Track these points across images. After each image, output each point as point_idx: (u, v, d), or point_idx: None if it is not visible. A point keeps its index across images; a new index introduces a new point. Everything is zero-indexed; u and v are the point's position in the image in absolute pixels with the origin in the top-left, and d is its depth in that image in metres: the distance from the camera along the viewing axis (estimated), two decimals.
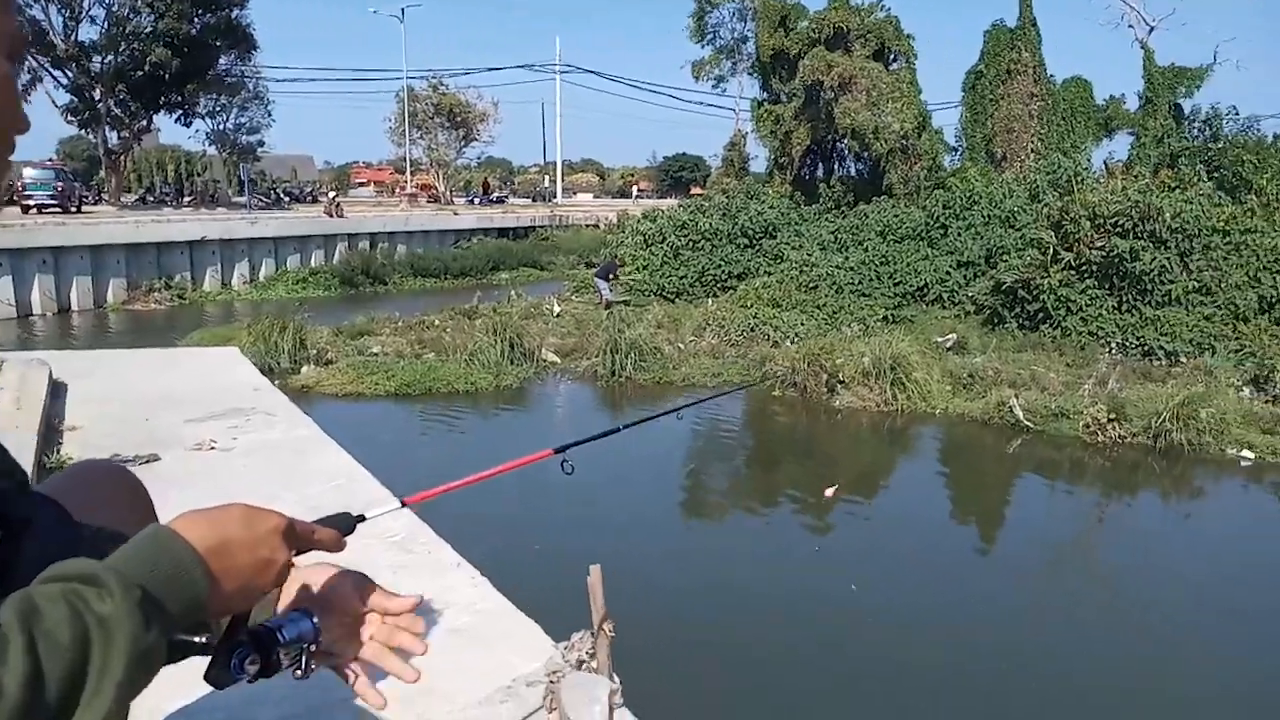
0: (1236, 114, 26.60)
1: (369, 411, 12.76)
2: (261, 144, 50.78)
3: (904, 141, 26.13)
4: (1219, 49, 36.66)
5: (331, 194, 40.00)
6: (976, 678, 6.13)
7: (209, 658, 1.06)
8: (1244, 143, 23.73)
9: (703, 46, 41.80)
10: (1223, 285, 16.13)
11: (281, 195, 46.61)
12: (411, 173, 55.95)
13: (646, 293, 21.49)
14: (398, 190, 56.91)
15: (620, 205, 51.19)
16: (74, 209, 30.72)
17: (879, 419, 12.90)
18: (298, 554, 1.08)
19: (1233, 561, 8.50)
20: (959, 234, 20.55)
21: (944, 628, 6.80)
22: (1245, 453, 11.18)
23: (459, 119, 47.91)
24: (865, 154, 27.81)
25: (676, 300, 21.08)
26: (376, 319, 18.40)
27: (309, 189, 55.66)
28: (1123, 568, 8.35)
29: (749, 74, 38.87)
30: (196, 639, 1.06)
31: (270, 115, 49.03)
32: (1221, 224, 17.16)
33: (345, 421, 11.45)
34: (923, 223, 21.31)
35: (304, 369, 14.01)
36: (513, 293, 21.58)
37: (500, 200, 57.52)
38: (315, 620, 1.15)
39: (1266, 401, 12.73)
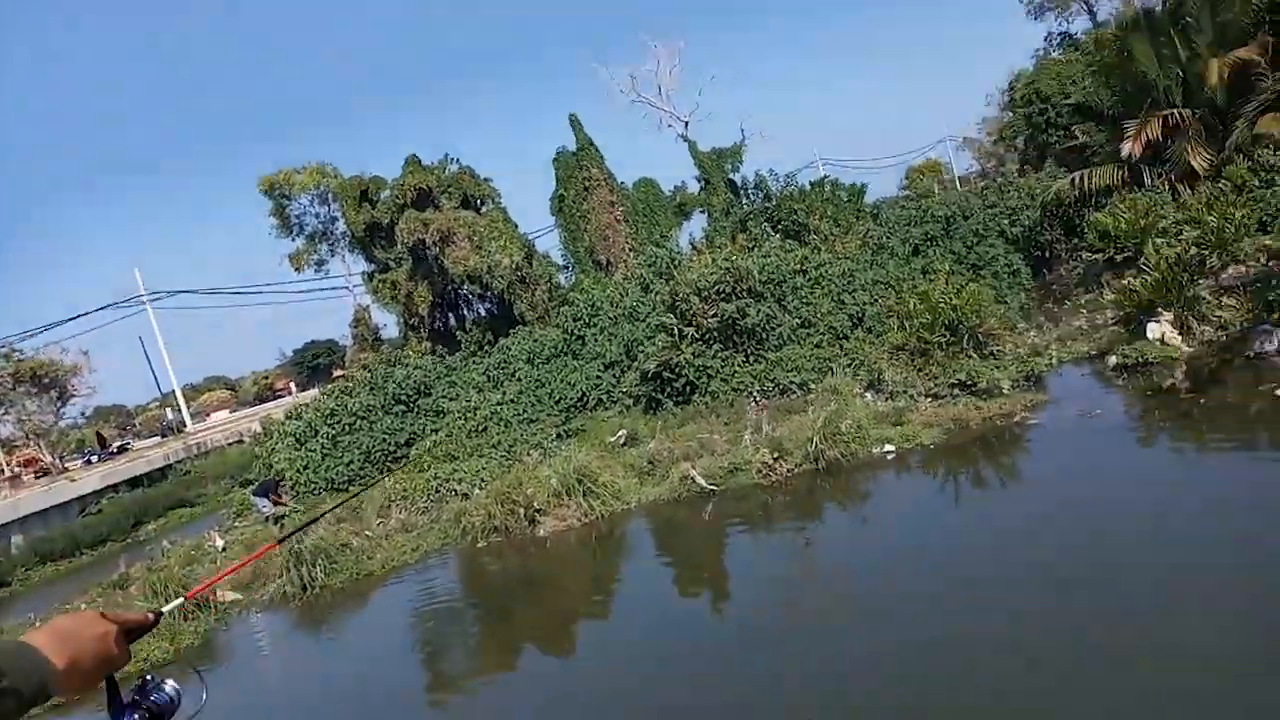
0: (777, 175, 31.07)
1: None
2: None
3: (519, 273, 27.43)
4: (743, 125, 43.20)
5: None
6: None
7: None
8: (791, 195, 27.75)
9: (293, 239, 41.28)
10: (818, 315, 18.55)
11: None
12: (8, 451, 48.56)
13: (316, 491, 20.27)
14: None
15: (263, 410, 48.12)
16: None
17: (585, 532, 13.10)
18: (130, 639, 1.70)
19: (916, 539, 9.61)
20: (596, 340, 21.80)
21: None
22: (887, 447, 12.80)
23: (47, 380, 42.73)
24: (488, 293, 28.79)
25: (349, 488, 20.09)
26: (4, 630, 15.52)
27: None
28: (839, 584, 9.11)
29: (350, 250, 38.91)
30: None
31: None
32: (799, 266, 19.81)
33: None
34: (561, 340, 22.35)
35: None
36: (165, 543, 19.29)
37: (122, 449, 51.59)
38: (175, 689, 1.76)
39: (885, 399, 14.70)
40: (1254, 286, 13.91)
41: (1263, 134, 18.39)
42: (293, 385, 70.09)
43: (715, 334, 17.88)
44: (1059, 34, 50.68)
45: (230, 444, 39.28)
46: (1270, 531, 7.27)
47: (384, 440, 21.01)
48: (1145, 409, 12.31)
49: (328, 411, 21.92)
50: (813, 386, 16.59)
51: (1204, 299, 14.07)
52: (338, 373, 50.88)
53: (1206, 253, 15.38)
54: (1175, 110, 20.35)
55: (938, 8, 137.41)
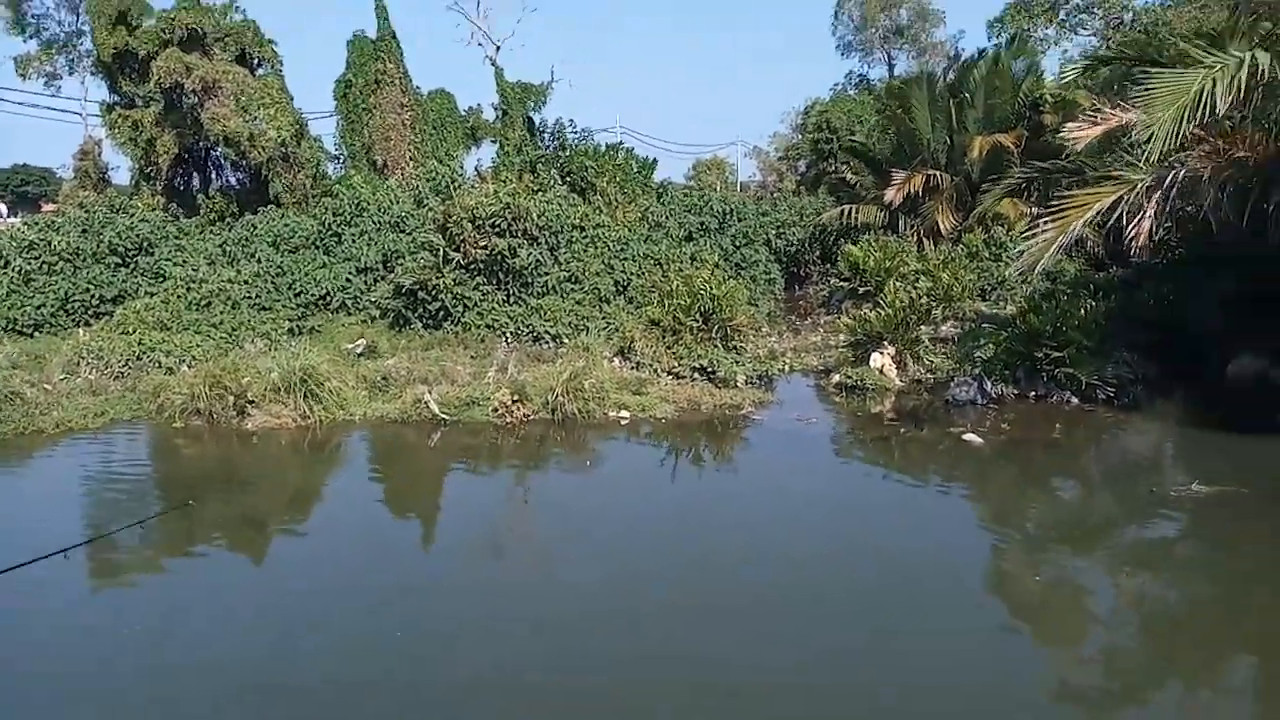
0: (575, 126, 30.90)
1: None
2: None
3: (284, 149, 25.32)
4: (555, 68, 42.69)
5: None
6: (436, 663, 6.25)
7: None
8: (585, 151, 27.65)
9: (25, 40, 35.72)
10: (586, 274, 18.68)
11: None
12: None
13: None
14: None
15: None
16: None
17: (298, 435, 12.40)
18: None
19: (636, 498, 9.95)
20: (354, 241, 20.63)
21: (392, 638, 6.80)
22: (622, 413, 13.15)
23: None
24: (244, 162, 26.33)
25: (36, 334, 17.75)
26: None
27: None
28: (547, 531, 9.23)
29: (92, 73, 34.23)
30: None
31: None
32: (578, 221, 19.82)
33: None
34: (315, 231, 20.94)
35: None
36: None
37: None
38: None
39: (631, 368, 15.08)
40: (964, 342, 15.65)
41: (1001, 213, 20.70)
42: (3, 207, 60.18)
43: (481, 266, 17.50)
44: (858, 75, 54.29)
45: None
46: (897, 543, 8.48)
47: (88, 290, 18.71)
48: (852, 427, 13.51)
49: (26, 243, 19.15)
50: (566, 341, 16.68)
51: (923, 343, 15.68)
52: (48, 207, 44.73)
53: (934, 304, 17.08)
54: (938, 172, 22.42)
55: (768, 13, 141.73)
